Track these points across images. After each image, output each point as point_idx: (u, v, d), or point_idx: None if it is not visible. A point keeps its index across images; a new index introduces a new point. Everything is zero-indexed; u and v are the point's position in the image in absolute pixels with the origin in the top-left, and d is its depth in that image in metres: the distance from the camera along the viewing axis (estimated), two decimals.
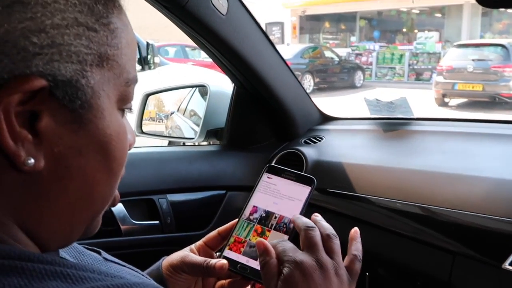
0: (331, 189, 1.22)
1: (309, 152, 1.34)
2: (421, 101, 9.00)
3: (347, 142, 1.39)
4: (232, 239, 0.70)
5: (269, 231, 0.68)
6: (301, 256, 0.57)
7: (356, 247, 0.64)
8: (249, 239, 0.69)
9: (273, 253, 0.59)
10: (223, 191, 1.35)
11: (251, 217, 0.70)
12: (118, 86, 0.43)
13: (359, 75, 15.10)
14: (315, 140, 1.41)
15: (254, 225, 0.69)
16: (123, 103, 0.45)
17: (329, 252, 0.59)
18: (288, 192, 0.71)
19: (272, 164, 0.77)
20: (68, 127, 0.39)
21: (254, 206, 0.71)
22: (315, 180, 0.71)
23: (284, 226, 0.68)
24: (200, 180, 1.34)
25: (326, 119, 1.56)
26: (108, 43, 0.41)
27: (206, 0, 1.03)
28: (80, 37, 0.39)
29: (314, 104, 1.53)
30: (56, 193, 0.41)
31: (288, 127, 1.45)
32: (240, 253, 0.68)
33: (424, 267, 1.04)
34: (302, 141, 1.42)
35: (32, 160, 0.38)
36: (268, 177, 0.73)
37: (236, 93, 1.42)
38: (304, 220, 0.62)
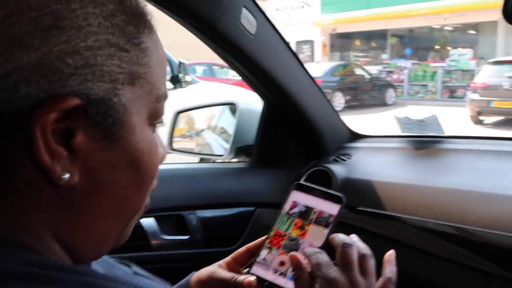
0: (361, 207, 1.21)
1: (338, 169, 1.33)
2: (455, 119, 8.82)
3: (376, 160, 1.38)
4: (272, 233, 0.70)
5: (308, 225, 0.68)
6: (334, 273, 0.57)
7: (391, 269, 0.63)
8: (289, 233, 0.69)
9: (305, 268, 0.59)
10: (252, 208, 1.36)
11: (291, 212, 0.71)
12: (149, 103, 0.45)
13: (390, 92, 14.94)
14: (344, 158, 1.40)
15: (294, 219, 0.70)
16: (154, 119, 0.47)
17: (364, 272, 0.59)
18: (319, 207, 0.71)
19: (300, 181, 0.77)
20: (101, 144, 0.41)
21: (293, 202, 0.72)
22: (344, 198, 0.70)
23: (324, 220, 0.68)
24: (229, 197, 1.35)
25: (355, 136, 1.55)
26: (139, 62, 0.43)
27: (235, 21, 1.06)
28: (112, 57, 0.40)
29: (343, 122, 1.53)
30: (90, 206, 0.43)
31: (317, 144, 1.45)
32: (279, 247, 0.68)
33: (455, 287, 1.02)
34: (331, 159, 1.41)
35: (67, 175, 0.39)
36: (295, 195, 0.73)
37: (265, 110, 1.43)
38: (342, 237, 0.62)
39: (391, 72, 16.56)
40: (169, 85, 4.66)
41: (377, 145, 1.49)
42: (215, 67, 13.65)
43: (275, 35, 1.22)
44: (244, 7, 1.10)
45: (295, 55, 1.30)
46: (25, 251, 0.38)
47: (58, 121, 0.38)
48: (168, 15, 1.04)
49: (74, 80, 0.38)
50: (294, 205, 0.71)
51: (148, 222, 1.19)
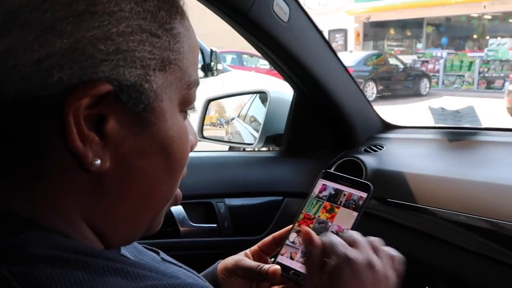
0: (391, 199, 1.19)
1: (369, 160, 1.31)
2: (492, 111, 8.57)
3: (409, 151, 1.35)
4: (301, 216, 0.70)
5: (338, 207, 0.68)
6: (353, 253, 0.56)
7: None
8: (318, 216, 0.69)
9: (319, 244, 0.58)
10: (280, 197, 1.36)
11: (320, 195, 0.71)
12: (180, 89, 0.45)
13: (425, 82, 14.61)
14: (375, 149, 1.38)
15: (323, 202, 0.70)
16: (185, 105, 0.46)
17: (377, 253, 0.58)
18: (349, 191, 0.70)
19: (328, 170, 0.77)
20: (132, 130, 0.41)
21: (323, 185, 0.72)
22: (372, 186, 0.69)
23: (354, 203, 0.67)
24: (258, 186, 1.35)
25: (388, 127, 1.52)
26: (170, 48, 0.43)
27: (267, 8, 1.05)
28: (144, 43, 0.40)
29: (375, 112, 1.50)
30: (120, 193, 0.43)
31: (348, 134, 1.43)
32: (310, 226, 0.68)
33: (488, 283, 0.99)
34: (362, 149, 1.39)
35: (98, 161, 0.39)
36: (323, 183, 0.73)
37: (295, 99, 1.42)
38: (350, 232, 0.62)
39: (426, 62, 16.16)
40: (200, 73, 4.68)
41: (410, 136, 1.46)
42: (244, 56, 13.64)
43: (308, 23, 1.20)
44: None
45: (327, 43, 1.28)
46: (57, 235, 0.39)
47: (90, 107, 0.38)
48: (200, 2, 1.04)
49: (106, 65, 0.38)
50: (324, 188, 0.71)
51: (177, 209, 1.21)
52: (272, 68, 1.35)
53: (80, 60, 0.37)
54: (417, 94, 14.07)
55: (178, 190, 0.50)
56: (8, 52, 0.35)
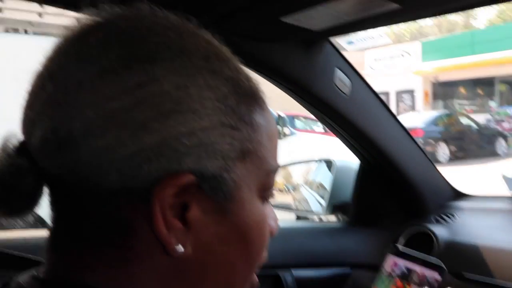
0: (466, 273, 1.12)
1: (440, 231, 1.26)
2: None
3: (483, 222, 1.28)
4: None
5: (409, 285, 0.66)
6: None
7: None
8: None
9: None
10: (348, 269, 1.32)
11: (392, 272, 0.69)
12: (259, 177, 0.46)
13: (501, 143, 13.91)
14: (446, 218, 1.32)
15: (394, 279, 0.68)
16: (264, 191, 0.48)
17: None
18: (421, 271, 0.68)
19: (398, 244, 0.75)
20: (213, 217, 0.43)
21: (394, 262, 0.70)
22: (446, 269, 0.67)
23: (427, 283, 0.65)
24: (325, 256, 1.33)
25: (459, 195, 1.46)
26: (249, 139, 0.45)
27: (329, 83, 1.08)
28: (224, 136, 0.42)
29: (445, 179, 1.45)
30: (200, 278, 0.44)
31: (417, 203, 1.39)
32: None
33: None
34: (432, 219, 1.34)
35: (181, 247, 0.41)
36: (392, 259, 0.72)
37: (361, 168, 1.41)
38: None
39: (501, 120, 15.49)
40: None
41: (483, 205, 1.39)
42: (302, 118, 13.65)
43: (370, 93, 1.22)
44: (338, 68, 1.12)
45: (390, 112, 1.29)
46: None
47: (175, 196, 0.41)
48: (265, 79, 1.09)
49: (189, 158, 0.40)
50: (395, 265, 0.70)
51: None
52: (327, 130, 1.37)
53: (167, 154, 0.40)
54: (493, 154, 13.38)
55: (255, 277, 0.51)
56: (106, 149, 0.39)
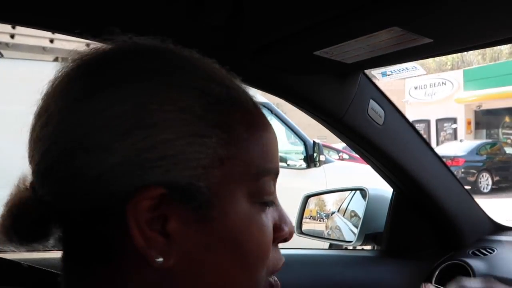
0: None
1: (478, 265, 1.23)
2: None
3: None
4: None
5: None
6: None
7: None
8: None
9: None
10: None
11: None
12: (245, 182, 0.46)
13: None
14: (485, 252, 1.29)
15: None
16: (255, 196, 0.47)
17: None
18: None
19: (432, 282, 0.75)
20: (194, 226, 0.44)
21: None
22: None
23: None
24: (356, 286, 1.31)
25: (499, 228, 1.42)
26: (225, 144, 0.45)
27: (362, 113, 1.09)
28: (192, 145, 0.43)
29: (483, 211, 1.42)
30: (191, 286, 0.45)
31: (453, 235, 1.36)
32: None
33: None
34: (470, 252, 1.31)
35: (161, 259, 0.43)
36: None
37: (395, 197, 1.40)
38: None
39: None
40: (303, 164, 4.76)
41: None
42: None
43: (404, 123, 1.22)
44: (372, 99, 1.13)
45: (425, 142, 1.28)
46: None
47: (151, 210, 0.42)
48: (298, 109, 1.12)
49: (156, 171, 0.42)
50: None
51: None
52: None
53: (131, 170, 0.42)
54: None
55: (275, 278, 0.50)
56: (75, 174, 0.42)
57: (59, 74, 0.47)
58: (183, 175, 0.43)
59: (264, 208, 0.48)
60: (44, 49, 5.38)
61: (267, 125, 0.50)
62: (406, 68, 1.21)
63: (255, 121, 0.48)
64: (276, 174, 0.49)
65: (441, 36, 0.79)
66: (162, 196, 0.42)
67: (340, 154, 8.66)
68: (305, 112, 1.12)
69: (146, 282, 0.44)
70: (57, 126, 0.44)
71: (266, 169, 0.47)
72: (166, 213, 0.43)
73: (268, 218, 0.48)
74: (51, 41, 5.27)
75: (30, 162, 0.46)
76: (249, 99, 0.50)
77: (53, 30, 0.97)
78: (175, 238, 0.43)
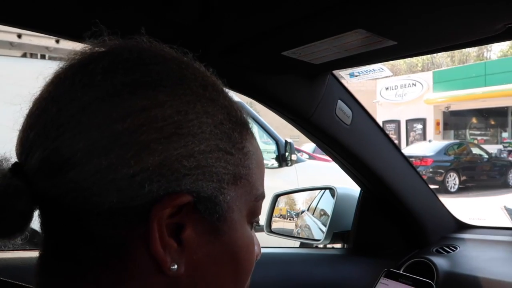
0: None
1: (441, 262, 1.26)
2: None
3: (485, 254, 1.28)
4: None
5: None
6: None
7: None
8: None
9: None
10: None
11: None
12: (249, 202, 0.49)
13: None
14: (448, 250, 1.32)
15: None
16: (252, 216, 0.50)
17: None
18: None
19: (390, 269, 0.77)
20: (206, 238, 0.45)
21: (384, 285, 0.72)
22: (434, 286, 0.69)
23: None
24: (324, 285, 1.33)
25: (462, 226, 1.46)
26: (241, 164, 0.48)
27: (330, 113, 1.11)
28: (220, 160, 0.45)
29: (447, 210, 1.46)
30: None
31: (418, 233, 1.39)
32: None
33: None
34: (434, 250, 1.34)
35: (175, 266, 0.43)
36: (385, 282, 0.74)
37: (362, 196, 1.42)
38: None
39: None
40: (275, 163, 4.78)
41: (486, 237, 1.39)
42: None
43: (371, 123, 1.24)
44: (340, 99, 1.15)
45: (392, 142, 1.31)
46: None
47: (172, 216, 0.43)
48: (267, 108, 1.13)
49: (188, 179, 0.43)
50: None
51: None
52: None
53: (167, 174, 0.42)
54: (504, 185, 13.23)
55: None
56: (109, 168, 0.41)
57: (85, 66, 0.45)
58: (209, 187, 0.44)
59: (252, 228, 0.51)
60: (11, 44, 5.25)
61: (260, 150, 0.53)
62: (373, 69, 1.23)
63: (256, 145, 0.52)
64: (264, 197, 0.53)
65: (405, 39, 0.81)
66: (186, 204, 0.43)
67: (300, 153, 8.80)
68: (274, 111, 1.12)
69: None
70: (90, 117, 0.42)
71: (262, 192, 0.51)
72: (183, 221, 0.44)
73: (254, 237, 0.52)
74: (19, 36, 5.14)
75: (32, 148, 0.43)
76: (250, 123, 0.53)
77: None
78: (188, 246, 0.44)
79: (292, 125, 1.16)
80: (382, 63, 1.18)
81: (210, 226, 0.45)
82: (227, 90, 0.51)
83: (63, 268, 0.45)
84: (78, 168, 0.41)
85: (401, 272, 0.73)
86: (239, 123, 0.49)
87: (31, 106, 0.45)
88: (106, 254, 0.43)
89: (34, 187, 0.42)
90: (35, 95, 0.46)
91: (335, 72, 1.15)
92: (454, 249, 1.32)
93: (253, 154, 0.50)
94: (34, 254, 0.47)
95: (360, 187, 1.41)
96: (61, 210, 0.43)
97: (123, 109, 0.42)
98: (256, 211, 0.51)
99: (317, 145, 1.24)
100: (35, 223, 0.45)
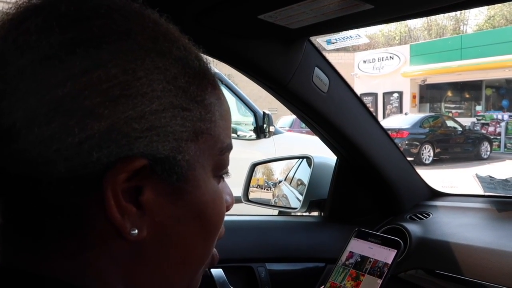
0: (437, 270, 1.15)
1: (414, 228, 1.29)
2: None
3: (456, 220, 1.31)
4: (328, 284, 0.72)
5: (363, 275, 0.69)
6: None
7: None
8: (344, 284, 0.70)
9: None
10: (322, 264, 1.34)
11: (347, 262, 0.72)
12: (213, 156, 0.47)
13: (485, 146, 14.12)
14: (421, 217, 1.35)
15: (349, 270, 0.71)
16: (218, 170, 0.49)
17: None
18: (375, 256, 0.72)
19: (361, 228, 0.79)
20: (168, 199, 0.44)
21: (350, 252, 0.73)
22: (402, 243, 0.71)
23: (378, 270, 0.69)
24: (300, 251, 1.35)
25: (435, 194, 1.49)
26: (201, 119, 0.45)
27: (307, 80, 1.10)
28: (176, 118, 0.43)
29: (421, 179, 1.48)
30: (159, 258, 0.45)
31: (392, 201, 1.41)
32: None
33: None
34: (407, 217, 1.37)
35: (136, 231, 0.42)
36: (355, 241, 0.76)
37: (338, 165, 1.43)
38: None
39: (486, 124, 15.70)
40: (253, 135, 4.79)
41: (457, 204, 1.42)
42: None
43: (348, 92, 1.24)
44: (317, 66, 1.14)
45: (369, 112, 1.31)
46: None
47: (127, 180, 0.41)
48: (244, 75, 1.11)
49: (141, 142, 0.41)
50: (350, 255, 0.73)
51: (217, 273, 1.22)
52: None
53: (117, 139, 0.40)
54: (477, 157, 13.58)
55: (215, 250, 0.52)
56: (52, 138, 0.38)
57: (17, 24, 0.41)
58: (165, 147, 0.42)
59: (220, 181, 0.50)
60: None
61: (226, 100, 0.51)
62: (350, 36, 1.23)
63: (220, 95, 0.49)
64: (231, 148, 0.51)
65: (381, 2, 0.80)
66: (142, 168, 0.41)
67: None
68: (251, 79, 1.11)
69: (115, 255, 0.43)
70: (27, 82, 0.38)
71: (229, 143, 0.49)
72: (141, 184, 0.42)
73: (223, 189, 0.50)
74: None
75: None
76: (213, 71, 0.49)
77: None
78: (149, 209, 0.43)
79: (270, 92, 1.14)
80: (359, 29, 1.17)
81: (170, 187, 0.43)
82: (182, 37, 0.47)
83: (22, 238, 0.43)
84: (20, 138, 0.38)
85: (369, 231, 0.75)
86: (198, 74, 0.46)
87: None
88: (66, 224, 0.42)
89: None
90: None
91: (313, 39, 1.14)
92: (427, 216, 1.34)
93: (215, 105, 0.47)
94: None
95: (337, 155, 1.41)
96: (11, 181, 0.40)
97: (62, 72, 0.39)
98: (222, 164, 0.49)
99: (294, 113, 1.24)
100: None
